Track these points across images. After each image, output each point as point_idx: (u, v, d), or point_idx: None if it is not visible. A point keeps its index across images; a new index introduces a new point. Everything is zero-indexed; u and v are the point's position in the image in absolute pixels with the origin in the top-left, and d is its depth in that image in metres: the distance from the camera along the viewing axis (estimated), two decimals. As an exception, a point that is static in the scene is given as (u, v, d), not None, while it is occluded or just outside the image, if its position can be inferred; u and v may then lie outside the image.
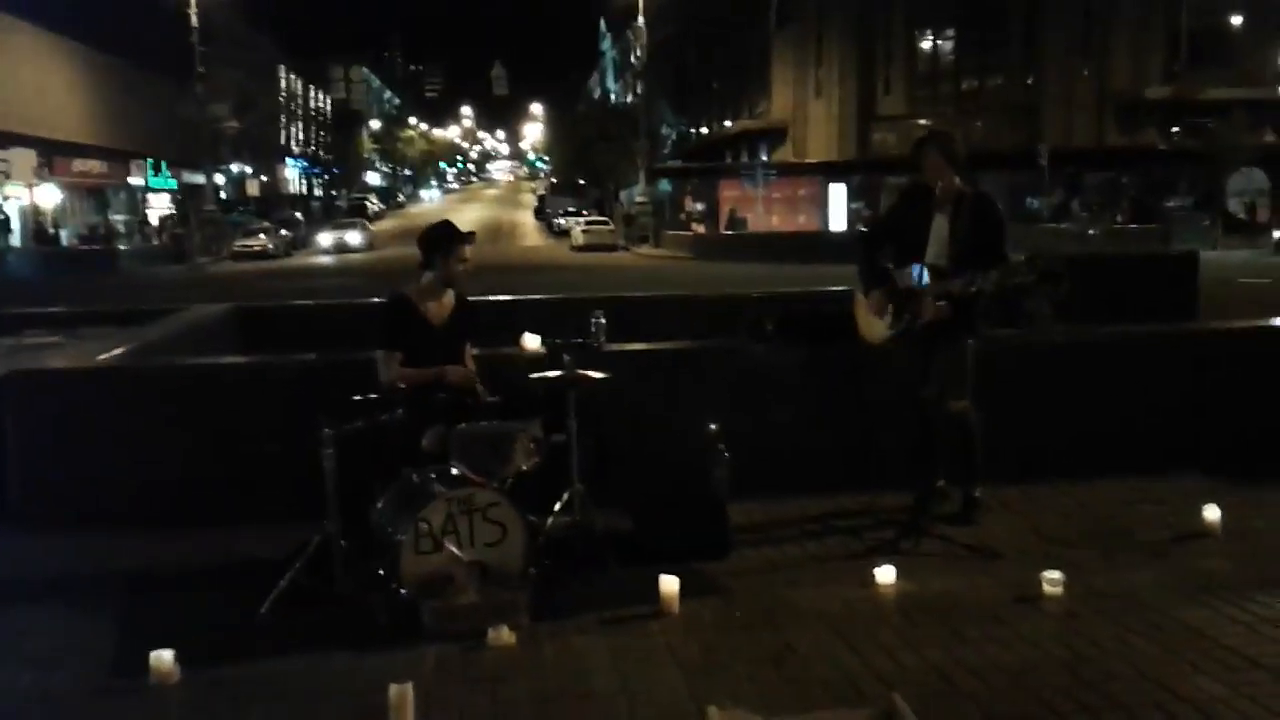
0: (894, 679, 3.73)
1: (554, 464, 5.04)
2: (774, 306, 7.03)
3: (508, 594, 4.32)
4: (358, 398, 4.56)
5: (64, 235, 40.42)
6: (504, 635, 4.11)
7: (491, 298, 8.82)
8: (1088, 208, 41.09)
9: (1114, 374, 6.46)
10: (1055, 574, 4.48)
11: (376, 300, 6.45)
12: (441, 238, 5.19)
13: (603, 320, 6.13)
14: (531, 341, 6.06)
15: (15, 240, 36.72)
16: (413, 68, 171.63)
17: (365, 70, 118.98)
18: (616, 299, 9.23)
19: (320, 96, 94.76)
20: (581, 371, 5.07)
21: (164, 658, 3.85)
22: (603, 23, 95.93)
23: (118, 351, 6.49)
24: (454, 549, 4.30)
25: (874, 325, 5.59)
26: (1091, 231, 35.38)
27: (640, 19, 46.45)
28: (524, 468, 4.78)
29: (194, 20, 41.91)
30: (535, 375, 5.08)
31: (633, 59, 59.30)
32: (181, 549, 5.25)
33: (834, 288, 8.33)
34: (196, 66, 42.54)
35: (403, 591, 4.24)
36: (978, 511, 5.51)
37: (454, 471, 4.51)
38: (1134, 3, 42.44)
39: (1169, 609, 4.33)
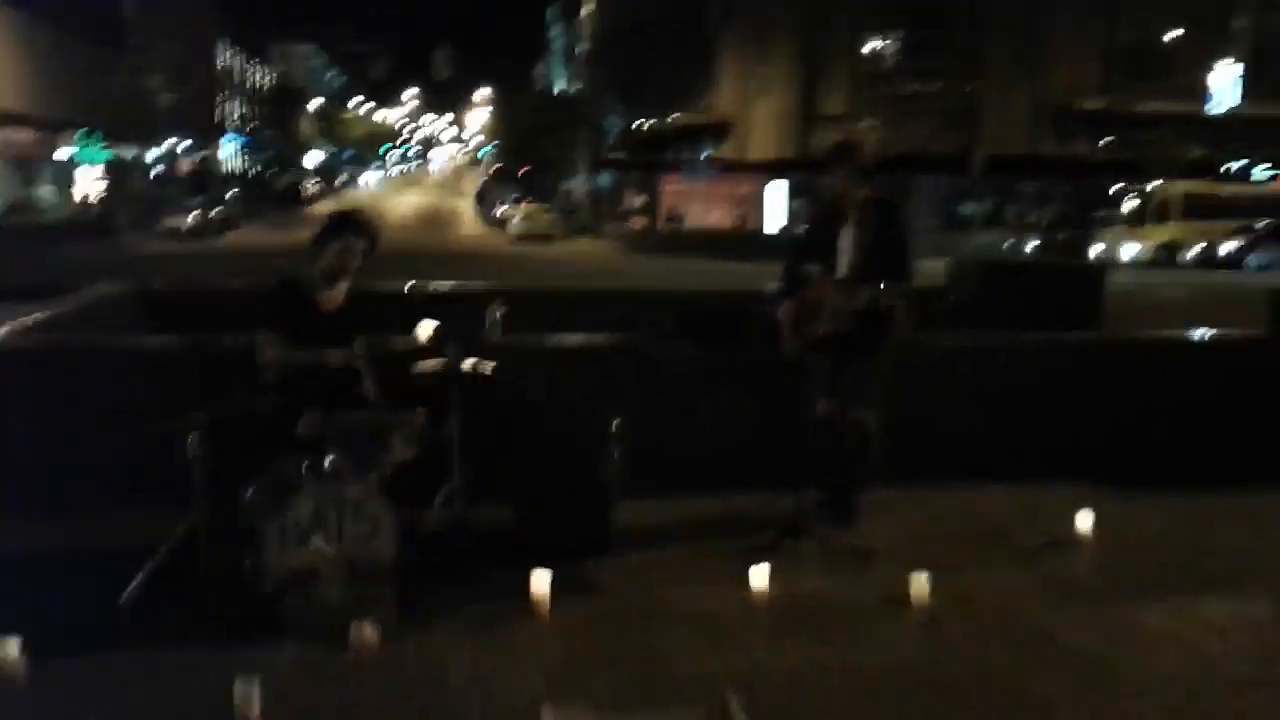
0: (749, 680, 3.77)
1: (438, 457, 5.01)
2: (675, 306, 7.04)
3: (375, 591, 4.27)
4: (233, 382, 4.48)
5: (-13, 207, 39.37)
6: (366, 633, 4.07)
7: (402, 287, 8.74)
8: (1021, 216, 41.78)
9: (1001, 381, 6.57)
10: (922, 576, 4.54)
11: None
12: (340, 225, 5.12)
13: (500, 312, 6.09)
14: (426, 330, 5.98)
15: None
16: (359, 47, 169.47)
17: (310, 47, 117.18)
18: (529, 292, 9.19)
19: (263, 72, 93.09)
20: (467, 363, 5.03)
21: (7, 644, 3.75)
22: (549, 11, 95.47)
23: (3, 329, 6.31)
24: (321, 543, 4.24)
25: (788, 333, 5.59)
26: (1013, 242, 36.00)
27: (584, 9, 46.26)
28: (402, 459, 4.73)
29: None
30: (419, 365, 5.03)
31: (577, 49, 59.06)
32: (48, 534, 5.13)
33: (742, 289, 8.39)
34: (128, 34, 41.48)
35: (267, 585, 4.18)
36: (856, 513, 5.57)
37: (327, 462, 4.45)
38: (1071, 16, 43.18)
39: (1029, 614, 4.42)
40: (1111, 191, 35.84)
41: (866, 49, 48.23)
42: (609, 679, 3.82)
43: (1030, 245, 35.71)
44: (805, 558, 5.07)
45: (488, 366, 5.11)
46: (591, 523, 5.13)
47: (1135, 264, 30.08)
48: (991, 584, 4.76)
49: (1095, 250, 32.71)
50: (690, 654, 4.02)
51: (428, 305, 7.55)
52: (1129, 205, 33.54)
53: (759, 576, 4.67)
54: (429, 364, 5.04)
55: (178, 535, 4.44)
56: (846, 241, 5.45)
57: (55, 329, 6.76)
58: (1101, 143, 43.74)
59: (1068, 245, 34.32)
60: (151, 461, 4.56)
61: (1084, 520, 5.38)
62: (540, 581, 4.43)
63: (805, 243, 5.81)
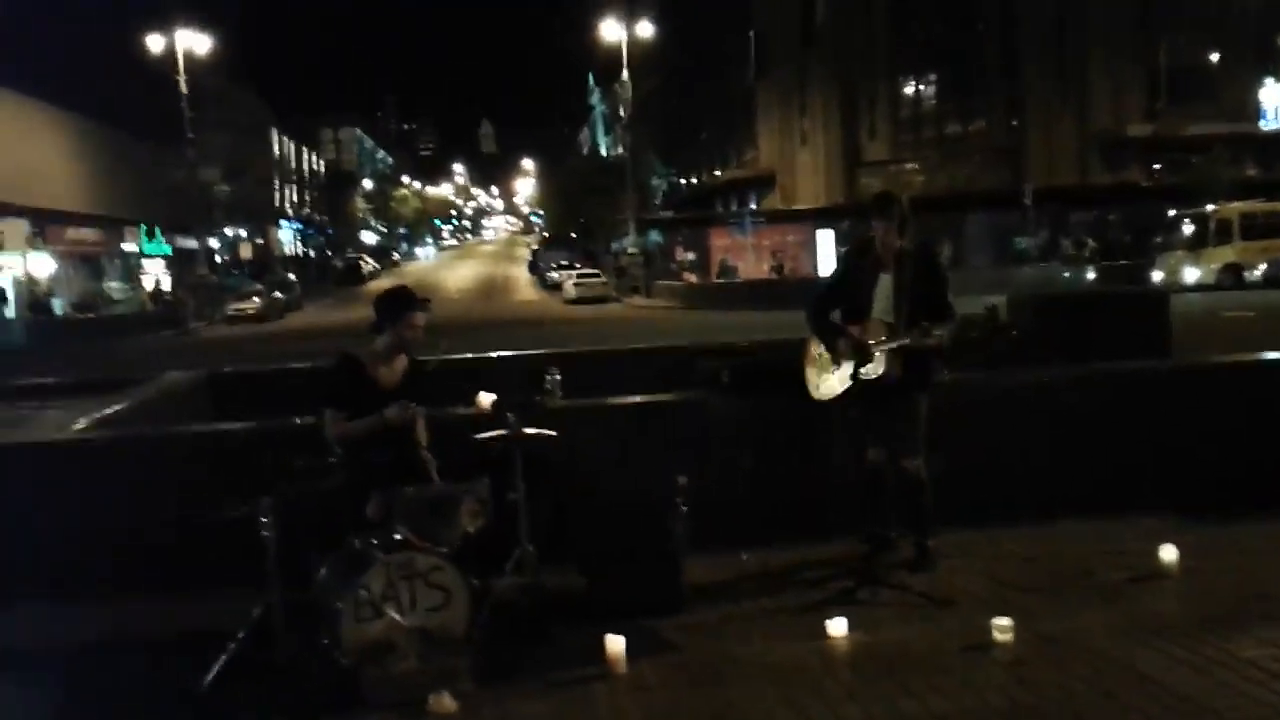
0: (833, 735, 3.69)
1: (505, 524, 5.03)
2: (727, 358, 7.03)
3: (450, 659, 4.28)
4: (299, 463, 4.54)
5: (57, 304, 40.55)
6: (445, 702, 4.07)
7: (458, 356, 8.83)
8: (1079, 245, 41.22)
9: (1070, 413, 6.44)
10: (1004, 620, 4.44)
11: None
12: (395, 302, 5.21)
13: (557, 376, 6.14)
14: (487, 400, 6.04)
15: (10, 311, 36.85)
16: (405, 126, 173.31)
17: (357, 130, 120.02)
18: (582, 354, 9.24)
19: (313, 158, 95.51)
20: (527, 430, 5.06)
21: (97, 736, 3.81)
22: (590, 77, 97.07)
23: (78, 425, 6.48)
24: (395, 615, 4.26)
25: (823, 382, 5.60)
26: (1072, 273, 35.51)
27: (625, 73, 46.95)
28: (470, 530, 4.76)
29: (182, 86, 42.21)
30: (481, 435, 5.07)
31: (620, 112, 59.84)
32: (127, 618, 5.19)
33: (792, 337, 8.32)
34: (186, 131, 42.78)
35: (343, 660, 4.20)
36: (931, 559, 5.49)
37: (396, 536, 4.49)
38: (1112, 43, 42.99)
39: (1117, 653, 4.30)
40: (1168, 216, 35.24)
41: (906, 92, 48.38)
42: (690, 740, 3.76)
43: (1088, 275, 35.16)
44: (881, 606, 4.98)
45: (547, 432, 5.14)
46: (661, 581, 5.10)
47: (1198, 287, 29.49)
48: (1075, 624, 4.64)
49: (1155, 276, 32.12)
50: (771, 710, 3.96)
51: (484, 375, 7.67)
52: (1186, 229, 32.95)
53: (836, 628, 4.61)
54: (490, 433, 5.08)
55: (254, 616, 4.48)
56: (886, 289, 5.45)
57: (126, 421, 6.92)
58: (1154, 168, 43.24)
59: (1126, 273, 33.77)
60: (224, 544, 4.62)
61: (1168, 553, 5.23)
62: (615, 643, 4.40)
63: (834, 290, 5.80)
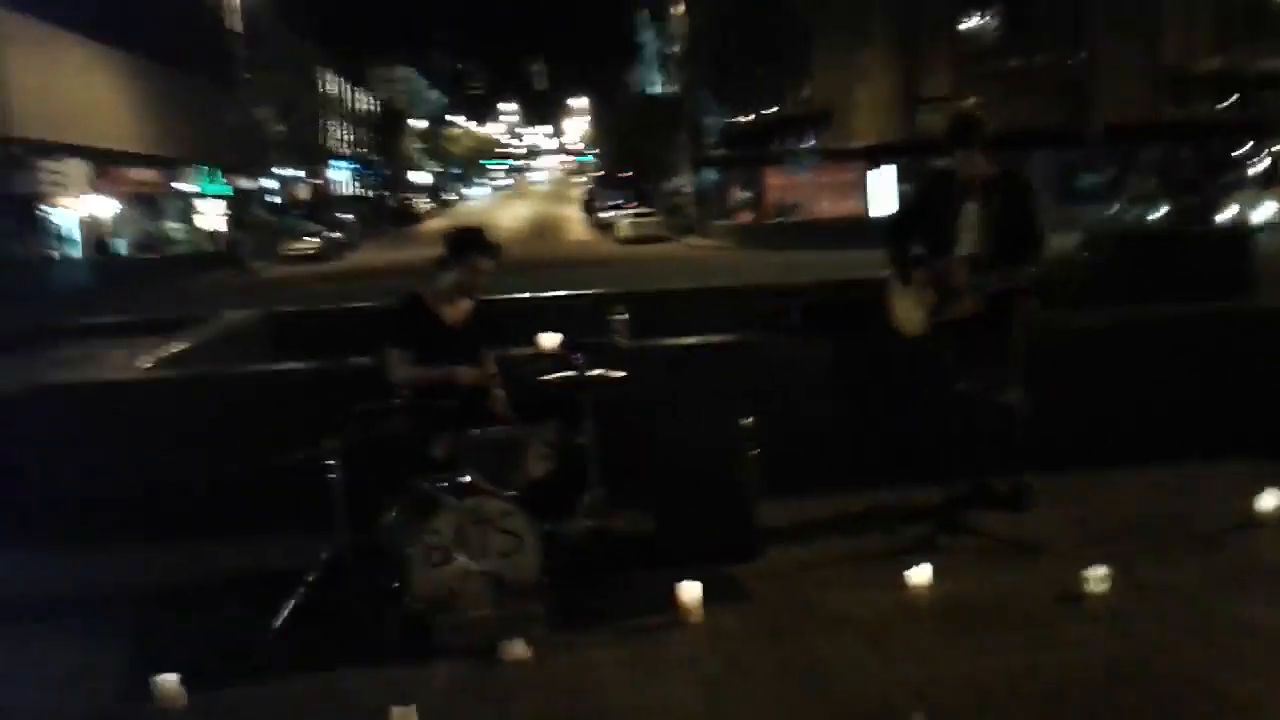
0: (926, 691, 3.53)
1: (574, 467, 4.90)
2: (798, 297, 6.79)
3: (523, 606, 4.17)
4: (359, 406, 4.41)
5: (119, 244, 41.04)
6: (518, 649, 3.97)
7: (520, 295, 8.69)
8: (1143, 184, 40.01)
9: (1162, 356, 6.15)
10: (1100, 570, 4.23)
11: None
12: (463, 243, 5.04)
13: (624, 317, 5.96)
14: (549, 341, 5.90)
15: (73, 250, 37.37)
16: (456, 66, 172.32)
17: (408, 69, 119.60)
18: (645, 294, 9.04)
19: (364, 97, 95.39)
20: (595, 372, 4.91)
21: (169, 681, 3.74)
22: (643, 14, 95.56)
23: (144, 364, 6.43)
24: (466, 561, 4.15)
25: (911, 316, 5.35)
26: (1139, 211, 34.49)
27: (679, 7, 46.09)
28: (538, 474, 4.64)
29: (237, 24, 42.17)
30: (548, 377, 4.93)
31: (674, 48, 58.93)
32: (195, 563, 5.16)
33: (861, 275, 8.07)
34: (240, 71, 42.81)
35: (414, 606, 4.11)
36: (1027, 497, 5.26)
37: (465, 480, 4.37)
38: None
39: (1221, 605, 4.08)
40: (1237, 153, 34.03)
41: (967, 25, 47.01)
42: (773, 692, 3.62)
43: (1154, 214, 34.14)
44: (965, 554, 4.80)
45: (616, 374, 4.99)
46: (734, 526, 4.94)
47: (1273, 225, 28.54)
48: (1173, 574, 4.42)
49: (1227, 214, 31.13)
50: (856, 663, 3.80)
51: (549, 314, 7.51)
52: (1258, 166, 31.80)
53: (919, 576, 4.43)
54: (557, 375, 4.93)
55: (324, 561, 4.40)
56: (972, 220, 5.17)
57: (189, 361, 6.88)
58: (1223, 104, 41.73)
59: (1196, 210, 32.75)
60: (294, 487, 4.52)
61: (1268, 500, 4.97)
62: (690, 591, 4.26)
63: (910, 223, 5.54)
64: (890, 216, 6.24)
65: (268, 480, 4.99)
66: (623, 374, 5.00)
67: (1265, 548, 4.69)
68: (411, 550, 4.12)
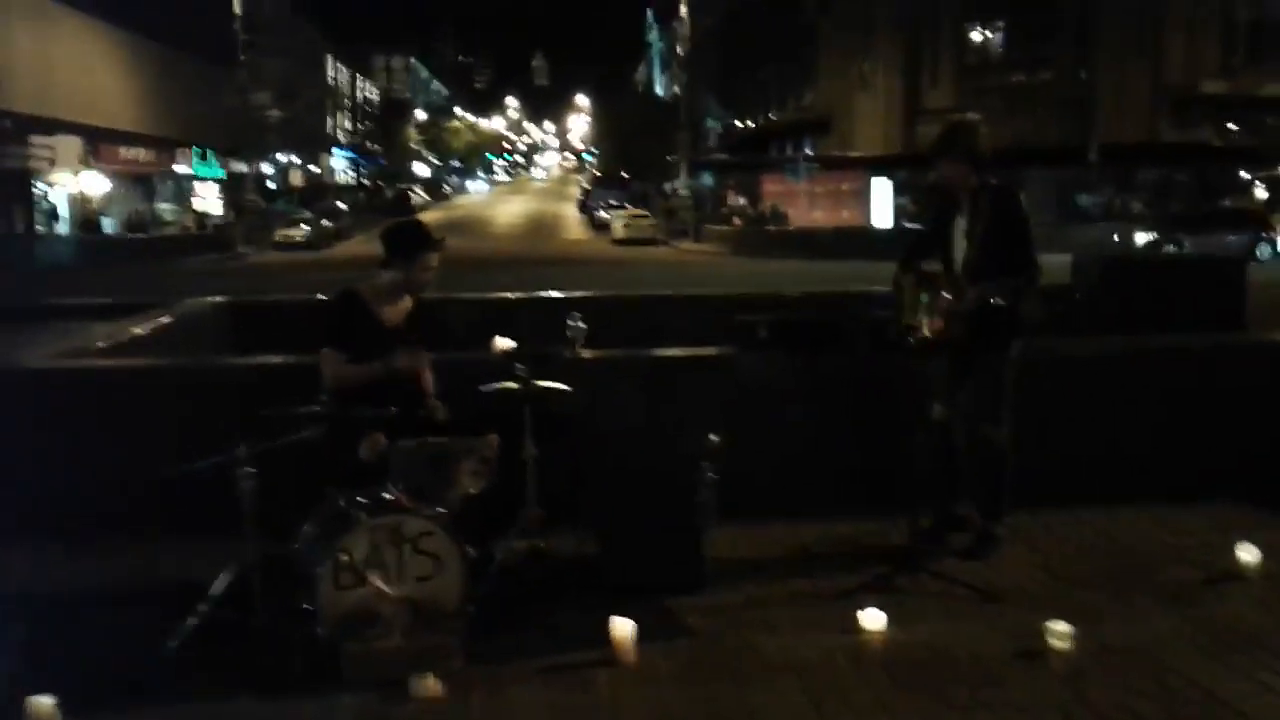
0: (861, 753, 3.24)
1: (513, 483, 4.59)
2: (769, 311, 6.47)
3: (438, 636, 3.86)
4: (266, 412, 4.08)
5: (108, 223, 40.57)
6: (430, 684, 3.66)
7: (477, 296, 8.36)
8: (1142, 206, 39.74)
9: (1140, 388, 5.86)
10: (1061, 625, 3.93)
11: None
12: (408, 240, 4.73)
13: (581, 324, 5.66)
14: (504, 346, 5.58)
15: (61, 228, 36.92)
16: (460, 58, 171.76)
17: (413, 60, 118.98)
18: (611, 299, 8.72)
19: (367, 86, 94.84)
20: (538, 383, 4.60)
21: (44, 704, 3.43)
22: (649, 13, 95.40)
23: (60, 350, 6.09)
24: (379, 584, 3.84)
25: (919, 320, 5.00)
26: (1129, 234, 34.16)
27: (683, 9, 45.84)
28: (472, 491, 4.34)
29: (237, 7, 41.77)
30: (486, 387, 4.62)
31: (678, 50, 58.63)
32: (97, 567, 4.83)
33: (849, 290, 7.80)
34: (240, 53, 42.41)
35: (322, 631, 3.79)
36: (992, 548, 4.96)
37: (385, 495, 4.05)
38: (1186, -5, 41.16)
39: (1186, 667, 3.79)
40: (1239, 179, 33.75)
41: (972, 38, 46.80)
42: (698, 747, 3.32)
43: (1143, 237, 33.74)
44: (923, 597, 4.50)
45: (558, 386, 4.69)
46: (681, 554, 4.64)
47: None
48: (1140, 631, 4.13)
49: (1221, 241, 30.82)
50: (793, 715, 3.50)
51: (504, 317, 7.19)
52: (1258, 193, 31.54)
53: (870, 621, 4.13)
54: (496, 385, 4.62)
55: (230, 574, 4.08)
56: (959, 233, 4.89)
57: (132, 349, 6.56)
58: (1227, 128, 41.52)
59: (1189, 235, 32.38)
60: (205, 491, 4.20)
61: (1246, 553, 4.68)
62: (622, 627, 3.95)
63: (923, 239, 5.24)
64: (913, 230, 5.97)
65: (178, 483, 4.67)
66: (566, 387, 4.70)
67: (1240, 607, 4.38)
68: (320, 570, 3.81)
